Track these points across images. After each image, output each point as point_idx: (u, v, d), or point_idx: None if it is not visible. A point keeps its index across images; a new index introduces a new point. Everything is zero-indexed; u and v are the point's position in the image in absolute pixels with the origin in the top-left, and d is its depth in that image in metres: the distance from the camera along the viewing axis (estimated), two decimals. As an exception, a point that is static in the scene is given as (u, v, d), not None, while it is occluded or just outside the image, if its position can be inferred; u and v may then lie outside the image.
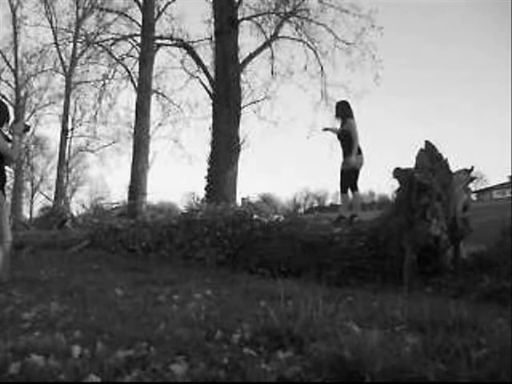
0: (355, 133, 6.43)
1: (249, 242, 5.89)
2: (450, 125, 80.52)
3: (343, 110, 6.66)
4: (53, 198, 25.35)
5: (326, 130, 7.00)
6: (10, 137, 4.38)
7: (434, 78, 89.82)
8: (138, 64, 15.37)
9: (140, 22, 15.52)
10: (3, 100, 4.80)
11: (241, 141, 11.36)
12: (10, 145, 4.31)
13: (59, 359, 1.97)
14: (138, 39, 16.20)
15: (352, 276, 4.64)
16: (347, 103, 6.77)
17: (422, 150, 4.57)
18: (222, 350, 2.09)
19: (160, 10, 16.71)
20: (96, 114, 18.95)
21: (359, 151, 6.45)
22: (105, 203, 18.99)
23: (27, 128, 4.57)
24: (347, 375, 1.75)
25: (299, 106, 40.54)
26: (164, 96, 18.68)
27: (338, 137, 6.70)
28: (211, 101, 12.28)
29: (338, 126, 6.85)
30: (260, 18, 14.79)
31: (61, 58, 23.67)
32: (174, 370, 1.83)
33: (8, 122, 4.46)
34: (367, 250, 4.82)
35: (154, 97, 16.54)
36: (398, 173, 4.56)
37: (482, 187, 48.16)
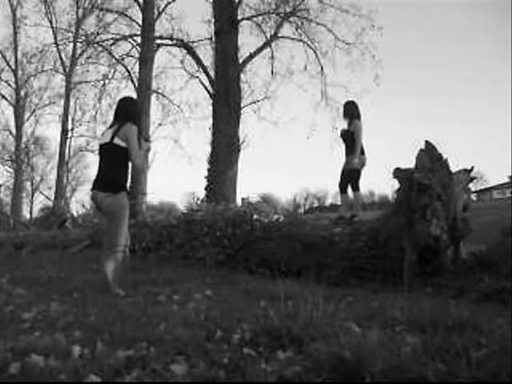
0: (359, 134, 6.43)
1: (249, 242, 5.89)
2: (450, 125, 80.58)
3: (350, 111, 6.67)
4: (53, 198, 25.33)
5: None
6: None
7: (434, 77, 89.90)
8: (138, 64, 15.34)
9: (140, 22, 15.47)
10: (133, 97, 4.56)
11: (241, 141, 11.36)
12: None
13: (59, 359, 1.97)
14: (138, 39, 16.17)
15: (352, 276, 4.64)
16: (355, 104, 6.76)
17: (422, 150, 4.57)
18: (222, 350, 2.09)
19: (160, 9, 16.69)
20: (96, 113, 18.90)
21: (362, 152, 6.46)
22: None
23: (148, 149, 4.43)
24: (347, 375, 1.75)
25: (299, 106, 40.60)
26: (164, 96, 18.68)
27: (342, 137, 6.70)
28: (211, 101, 12.27)
29: (343, 126, 6.86)
30: (260, 17, 14.79)
31: (61, 58, 23.69)
32: (174, 370, 1.83)
33: (140, 120, 4.25)
34: (367, 249, 4.82)
35: (154, 97, 16.52)
36: (398, 173, 4.56)
37: (482, 187, 48.13)
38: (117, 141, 3.95)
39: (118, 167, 4.01)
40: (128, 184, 4.14)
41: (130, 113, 4.11)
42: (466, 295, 3.60)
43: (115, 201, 3.93)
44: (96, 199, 4.04)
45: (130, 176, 4.13)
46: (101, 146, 4.12)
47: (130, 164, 4.09)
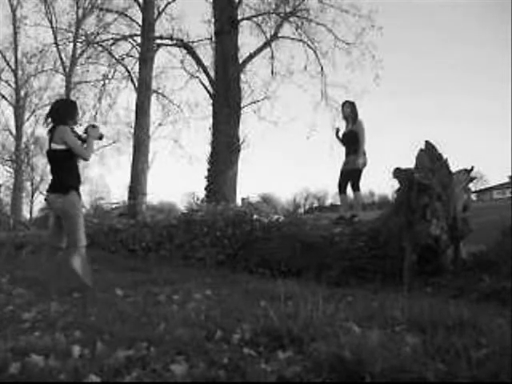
0: (364, 134, 6.43)
1: (249, 242, 5.89)
2: (450, 124, 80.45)
3: (354, 110, 6.66)
4: (53, 198, 25.28)
5: (337, 132, 6.92)
6: (84, 137, 4.32)
7: (434, 77, 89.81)
8: (138, 64, 15.33)
9: (140, 22, 15.48)
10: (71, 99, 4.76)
11: (241, 141, 11.35)
12: (84, 145, 4.25)
13: (59, 359, 1.97)
14: (138, 39, 16.17)
15: (352, 276, 4.64)
16: (355, 104, 6.77)
17: (421, 150, 4.57)
18: (221, 350, 2.09)
19: (160, 10, 16.66)
20: (96, 113, 18.85)
21: (363, 152, 6.45)
22: (105, 203, 18.97)
23: (101, 136, 4.45)
24: (347, 375, 1.75)
25: (299, 106, 40.53)
26: (164, 96, 18.65)
27: (343, 136, 6.69)
28: (211, 101, 12.26)
29: (338, 125, 6.88)
30: (260, 17, 14.76)
31: (61, 58, 23.65)
32: (174, 370, 1.83)
33: (76, 120, 4.39)
34: (367, 250, 4.82)
35: (154, 97, 16.51)
36: (398, 173, 4.56)
37: (482, 187, 48.15)
38: (54, 146, 4.17)
39: (65, 170, 4.23)
40: (80, 183, 4.35)
41: (61, 114, 4.27)
42: (465, 295, 3.61)
43: (66, 201, 4.15)
44: (48, 201, 4.35)
45: (79, 174, 4.35)
46: (46, 152, 4.34)
47: (76, 163, 4.30)
